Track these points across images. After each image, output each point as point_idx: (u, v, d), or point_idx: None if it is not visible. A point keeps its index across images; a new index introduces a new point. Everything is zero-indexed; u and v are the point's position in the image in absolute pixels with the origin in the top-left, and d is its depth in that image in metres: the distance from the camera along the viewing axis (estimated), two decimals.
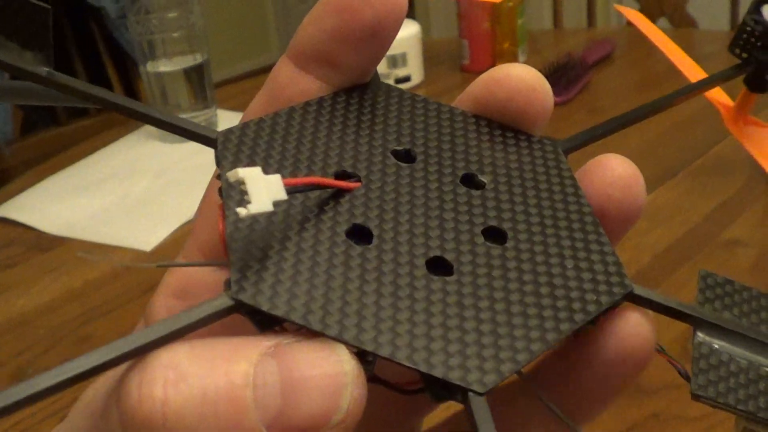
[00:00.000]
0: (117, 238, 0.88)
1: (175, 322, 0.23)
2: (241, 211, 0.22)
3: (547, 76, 0.30)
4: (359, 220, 0.26)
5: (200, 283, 0.28)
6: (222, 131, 0.27)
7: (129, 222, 0.89)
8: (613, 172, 0.28)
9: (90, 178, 1.04)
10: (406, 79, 1.26)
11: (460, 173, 0.28)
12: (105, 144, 1.13)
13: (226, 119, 1.15)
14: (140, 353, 0.22)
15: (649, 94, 1.16)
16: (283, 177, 0.25)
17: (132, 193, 0.96)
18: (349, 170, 0.27)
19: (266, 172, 0.24)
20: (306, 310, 0.23)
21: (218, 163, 0.27)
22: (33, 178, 1.05)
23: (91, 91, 0.27)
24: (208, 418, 0.21)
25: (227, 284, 0.23)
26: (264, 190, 0.23)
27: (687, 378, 0.26)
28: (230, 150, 0.27)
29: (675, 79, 0.41)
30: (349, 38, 0.27)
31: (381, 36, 0.28)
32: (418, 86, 1.27)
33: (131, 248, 0.86)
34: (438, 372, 0.23)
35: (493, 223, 0.27)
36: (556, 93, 1.13)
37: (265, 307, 0.22)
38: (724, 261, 0.77)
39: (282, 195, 0.23)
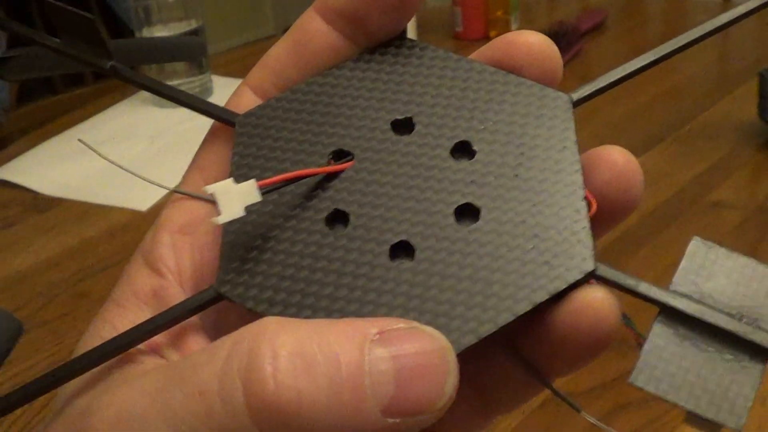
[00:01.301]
0: (113, 199, 0.89)
1: (172, 312, 0.26)
2: (214, 221, 0.25)
3: None
4: (340, 205, 0.28)
5: (203, 219, 0.30)
6: (242, 116, 0.30)
7: (125, 183, 0.89)
8: (615, 166, 0.28)
9: (87, 141, 1.04)
10: None
11: (454, 142, 0.29)
12: (101, 110, 1.14)
13: (222, 85, 1.16)
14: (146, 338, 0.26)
15: None
16: (281, 168, 0.28)
17: (128, 156, 0.96)
18: (347, 148, 0.29)
19: (270, 160, 0.29)
20: (269, 304, 0.26)
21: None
22: (30, 143, 1.06)
23: (142, 80, 0.31)
24: (334, 406, 0.22)
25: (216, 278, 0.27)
26: (235, 199, 0.25)
27: None
28: (244, 135, 0.29)
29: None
30: (379, 1, 0.29)
31: (410, 3, 0.29)
32: None
33: (128, 208, 0.87)
34: None
35: (468, 199, 0.28)
36: None
37: (237, 300, 0.26)
38: (710, 222, 0.78)
39: (256, 198, 0.26)
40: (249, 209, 0.26)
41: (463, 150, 0.29)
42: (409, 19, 0.30)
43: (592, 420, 0.29)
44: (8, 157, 1.02)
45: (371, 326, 0.23)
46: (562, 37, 1.19)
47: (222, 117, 0.30)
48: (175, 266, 0.29)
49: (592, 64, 1.20)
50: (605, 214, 0.28)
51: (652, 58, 0.31)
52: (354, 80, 0.30)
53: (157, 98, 1.11)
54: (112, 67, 0.30)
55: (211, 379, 0.22)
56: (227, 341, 0.23)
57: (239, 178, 0.27)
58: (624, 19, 1.44)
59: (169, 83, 0.31)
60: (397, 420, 0.22)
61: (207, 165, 0.30)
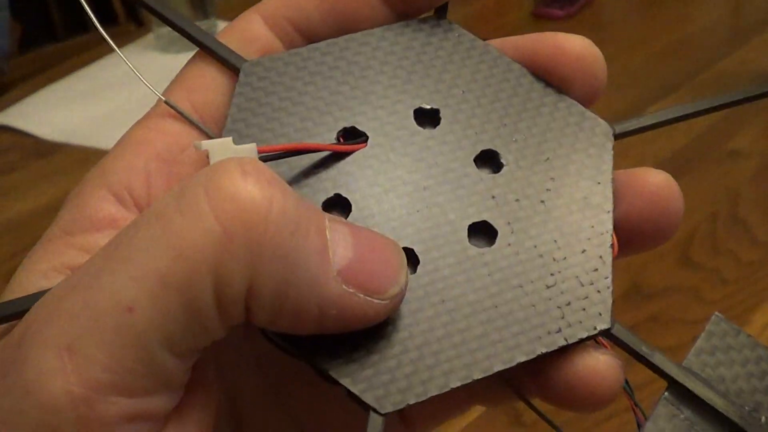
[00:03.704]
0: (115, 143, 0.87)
1: None
2: (198, 146, 0.23)
3: None
4: (343, 191, 0.25)
5: (186, 147, 0.26)
6: (248, 64, 0.26)
7: (127, 128, 0.88)
8: (650, 187, 0.26)
9: (89, 86, 1.03)
10: None
11: (481, 148, 0.26)
12: (103, 56, 1.12)
13: None
14: None
15: (654, 10, 1.14)
16: (282, 133, 0.26)
17: (131, 101, 0.95)
18: (361, 127, 0.26)
19: (271, 121, 0.26)
20: None
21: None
22: (31, 89, 1.04)
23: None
24: (301, 231, 0.21)
25: None
26: None
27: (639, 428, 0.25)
28: (248, 85, 0.26)
29: None
30: None
31: None
32: None
33: None
34: (345, 381, 0.23)
35: (486, 217, 0.26)
36: (558, 7, 1.11)
37: None
38: (727, 170, 0.77)
39: None
40: None
41: (488, 160, 0.26)
42: None
43: None
44: (9, 103, 1.01)
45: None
46: None
47: (228, 60, 0.26)
48: (145, 198, 0.25)
49: (604, 11, 1.18)
50: (635, 241, 0.27)
51: (707, 106, 0.29)
52: (381, 51, 0.27)
53: (160, 44, 1.09)
54: None
55: (166, 202, 0.21)
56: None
57: (232, 134, 0.25)
58: None
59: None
60: (351, 290, 0.22)
61: (196, 87, 0.27)
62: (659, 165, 0.78)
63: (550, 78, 0.27)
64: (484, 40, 0.28)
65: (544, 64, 0.27)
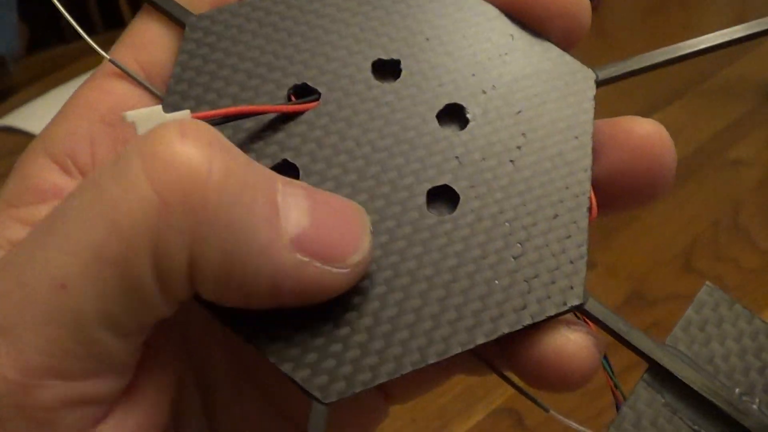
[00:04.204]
0: None
1: None
2: (126, 116, 0.21)
3: None
4: (289, 155, 0.23)
5: (132, 108, 0.23)
6: (193, 18, 0.25)
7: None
8: (637, 139, 0.24)
9: None
10: None
11: (445, 101, 0.24)
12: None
13: None
14: None
15: (660, 17, 1.15)
16: (227, 93, 0.23)
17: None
18: (313, 83, 0.24)
19: (216, 80, 0.23)
20: None
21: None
22: (39, 91, 1.04)
23: None
24: (246, 199, 0.19)
25: None
26: None
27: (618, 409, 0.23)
28: (193, 42, 0.24)
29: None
30: None
31: None
32: None
33: None
34: (286, 368, 0.21)
35: (446, 180, 0.23)
36: None
37: None
38: (729, 179, 0.77)
39: None
40: None
41: (453, 115, 0.24)
42: None
43: (562, 419, 0.26)
44: (17, 105, 1.00)
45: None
46: None
47: (172, 14, 0.25)
48: (90, 163, 0.24)
49: (610, 19, 1.18)
50: (620, 199, 0.25)
51: (690, 50, 0.27)
52: None
53: None
54: None
55: (101, 171, 0.20)
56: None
57: (174, 96, 0.23)
58: None
59: None
60: (306, 259, 0.20)
61: (143, 44, 0.25)
62: None
63: (528, 19, 0.25)
64: None
65: (521, 4, 0.25)
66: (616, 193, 0.25)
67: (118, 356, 0.20)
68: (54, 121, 0.24)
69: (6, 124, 0.96)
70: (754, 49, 1.04)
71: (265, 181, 0.20)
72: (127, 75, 0.24)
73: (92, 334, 0.19)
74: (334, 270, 0.20)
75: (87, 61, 1.13)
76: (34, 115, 0.97)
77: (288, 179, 0.21)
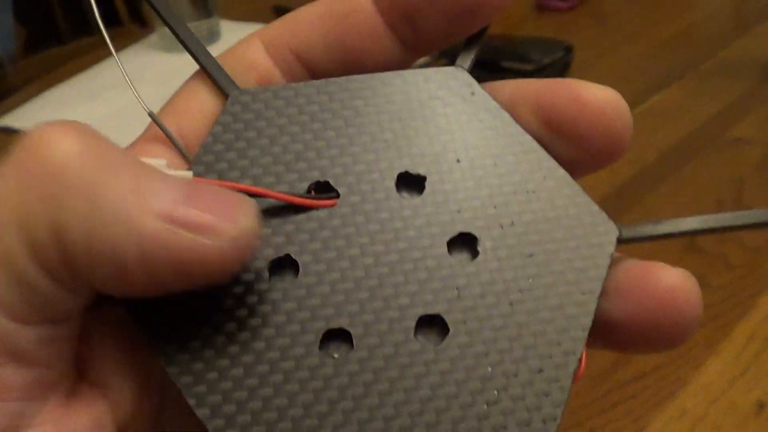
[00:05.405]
0: (122, 144, 0.87)
1: None
2: None
3: None
4: (291, 250, 0.23)
5: None
6: (236, 92, 0.25)
7: (129, 130, 0.88)
8: (662, 290, 0.23)
9: (94, 87, 1.03)
10: None
11: (460, 228, 0.24)
12: (107, 57, 1.12)
13: (230, 30, 1.13)
14: None
15: (656, 0, 1.14)
16: (250, 173, 0.23)
17: (136, 102, 0.95)
18: (335, 183, 0.24)
19: (243, 158, 0.24)
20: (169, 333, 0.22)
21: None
22: (36, 91, 1.04)
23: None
24: (109, 171, 0.19)
25: None
26: None
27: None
28: (231, 114, 0.24)
29: None
30: (445, 3, 0.24)
31: (477, 15, 0.24)
32: None
33: None
34: None
35: (441, 311, 0.23)
36: None
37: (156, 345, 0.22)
38: (731, 158, 0.77)
39: None
40: None
41: (465, 244, 0.24)
42: (476, 29, 0.25)
43: None
44: (14, 105, 1.00)
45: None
46: None
47: (219, 83, 0.25)
48: None
49: (607, 1, 1.18)
50: (634, 344, 0.24)
51: (720, 224, 0.25)
52: (381, 98, 0.25)
53: (165, 43, 1.09)
54: None
55: None
56: None
57: (198, 168, 0.23)
58: None
59: None
60: (174, 228, 0.19)
61: (186, 110, 0.25)
62: (663, 154, 0.78)
63: (568, 134, 0.24)
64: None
65: (560, 117, 0.24)
66: (633, 337, 0.24)
67: (17, 344, 0.20)
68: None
69: (4, 124, 0.96)
70: (752, 28, 1.04)
71: (130, 159, 0.20)
72: (168, 139, 0.25)
73: None
74: (207, 241, 0.19)
75: (83, 60, 1.13)
76: (31, 116, 0.97)
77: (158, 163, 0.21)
